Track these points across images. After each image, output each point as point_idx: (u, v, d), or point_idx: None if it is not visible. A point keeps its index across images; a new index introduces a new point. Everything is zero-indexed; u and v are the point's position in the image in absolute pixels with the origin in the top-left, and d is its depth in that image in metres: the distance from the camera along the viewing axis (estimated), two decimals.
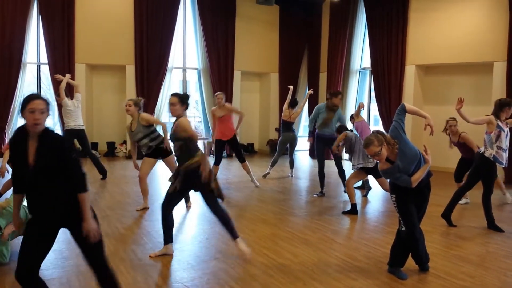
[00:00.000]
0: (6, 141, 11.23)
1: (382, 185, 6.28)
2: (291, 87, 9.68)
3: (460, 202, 7.00)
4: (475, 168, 5.66)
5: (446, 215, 5.78)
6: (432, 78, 10.94)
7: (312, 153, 13.15)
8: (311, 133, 7.61)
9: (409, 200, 3.94)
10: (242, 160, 8.15)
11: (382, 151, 3.70)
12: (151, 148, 6.10)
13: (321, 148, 7.57)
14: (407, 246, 4.02)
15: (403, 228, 3.98)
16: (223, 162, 11.78)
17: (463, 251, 4.83)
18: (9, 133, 11.49)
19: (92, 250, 2.92)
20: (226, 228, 4.36)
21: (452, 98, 10.38)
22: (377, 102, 11.30)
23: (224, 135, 8.00)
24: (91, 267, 2.97)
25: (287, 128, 9.17)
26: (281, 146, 9.28)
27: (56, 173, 2.77)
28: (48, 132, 2.80)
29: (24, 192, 2.89)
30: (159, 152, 6.15)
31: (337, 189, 8.07)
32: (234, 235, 4.35)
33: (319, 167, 7.49)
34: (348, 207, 6.39)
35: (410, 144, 3.84)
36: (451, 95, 10.51)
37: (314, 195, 7.44)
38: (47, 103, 2.82)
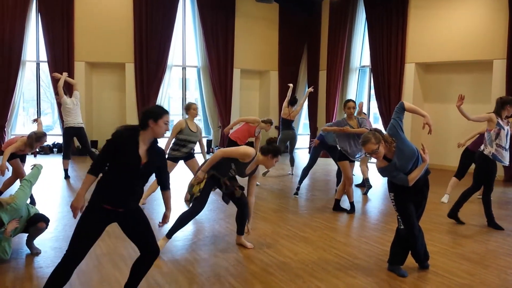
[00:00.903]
0: (6, 139, 11.22)
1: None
2: (291, 85, 9.68)
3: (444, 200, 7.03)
4: (476, 168, 5.65)
5: (453, 215, 5.76)
6: (431, 76, 10.95)
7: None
8: (320, 136, 7.35)
9: (407, 199, 3.93)
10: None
11: (380, 149, 3.69)
12: (191, 150, 6.46)
13: (319, 151, 7.53)
14: (406, 245, 4.01)
15: (402, 227, 3.97)
16: None
17: (463, 249, 4.84)
18: (9, 131, 11.48)
19: (148, 229, 3.31)
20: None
21: (452, 96, 10.40)
22: (376, 100, 11.30)
23: (240, 140, 7.89)
24: (146, 244, 3.32)
25: (287, 126, 9.16)
26: (281, 144, 9.26)
27: (152, 173, 3.20)
28: (155, 140, 3.16)
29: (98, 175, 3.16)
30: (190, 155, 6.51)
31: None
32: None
33: (308, 165, 7.39)
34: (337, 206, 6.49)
35: (408, 142, 3.83)
36: (451, 93, 10.53)
37: (294, 196, 7.38)
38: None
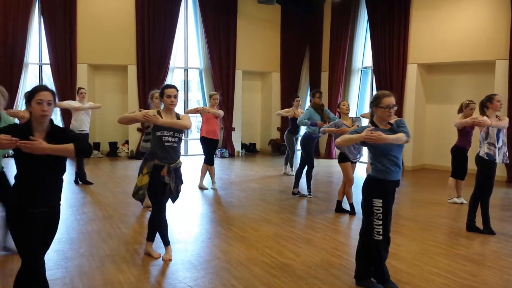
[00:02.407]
0: None
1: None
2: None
3: (457, 201, 7.01)
4: (478, 171, 5.58)
5: (471, 226, 5.54)
6: (434, 77, 10.93)
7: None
8: (315, 124, 7.31)
9: (391, 205, 3.72)
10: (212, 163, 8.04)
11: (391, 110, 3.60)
12: None
13: (313, 148, 7.55)
14: (376, 257, 3.70)
15: (377, 237, 3.65)
16: (225, 162, 11.80)
17: (466, 250, 4.82)
18: None
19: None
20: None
21: (454, 97, 10.39)
22: None
23: (215, 134, 7.86)
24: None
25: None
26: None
27: (61, 162, 2.92)
28: (53, 124, 2.91)
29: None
30: None
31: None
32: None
33: (310, 167, 7.34)
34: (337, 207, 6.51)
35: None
36: (453, 93, 10.51)
37: (308, 195, 7.38)
38: (53, 94, 2.91)
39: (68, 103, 8.28)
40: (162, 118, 4.22)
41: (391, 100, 3.61)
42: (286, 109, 9.72)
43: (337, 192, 6.60)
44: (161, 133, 4.22)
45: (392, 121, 3.68)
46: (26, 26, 11.26)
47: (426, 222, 5.91)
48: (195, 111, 7.82)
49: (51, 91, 2.90)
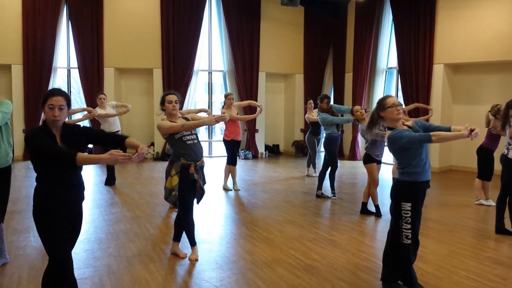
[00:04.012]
0: None
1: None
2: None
3: (484, 203, 6.87)
4: (503, 172, 5.46)
5: (500, 228, 5.42)
6: (461, 77, 10.73)
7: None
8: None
9: (421, 209, 3.66)
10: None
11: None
12: None
13: (337, 149, 7.54)
14: (404, 261, 3.64)
15: (406, 241, 3.60)
16: (249, 163, 11.84)
17: (495, 252, 4.73)
18: None
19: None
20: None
21: (481, 97, 10.19)
22: (404, 102, 11.14)
23: (238, 135, 7.90)
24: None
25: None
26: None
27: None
28: (65, 124, 2.94)
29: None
30: None
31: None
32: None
33: (334, 169, 7.36)
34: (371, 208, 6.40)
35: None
36: (480, 94, 10.30)
37: (332, 197, 7.35)
38: (67, 98, 2.90)
39: (106, 114, 8.15)
40: (172, 122, 4.38)
41: (394, 99, 3.62)
42: (308, 116, 9.42)
43: (362, 194, 6.56)
44: (180, 134, 4.31)
45: (409, 123, 3.64)
46: (54, 32, 11.55)
47: (454, 224, 5.81)
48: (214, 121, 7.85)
49: (64, 95, 2.89)
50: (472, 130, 3.26)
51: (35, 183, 2.94)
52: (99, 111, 8.05)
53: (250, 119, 7.75)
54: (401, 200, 3.60)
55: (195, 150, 4.34)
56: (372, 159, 6.17)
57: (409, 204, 3.56)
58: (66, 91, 12.19)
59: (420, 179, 3.56)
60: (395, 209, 3.65)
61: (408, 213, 3.57)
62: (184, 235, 4.53)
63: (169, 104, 4.37)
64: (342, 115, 7.66)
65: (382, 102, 3.61)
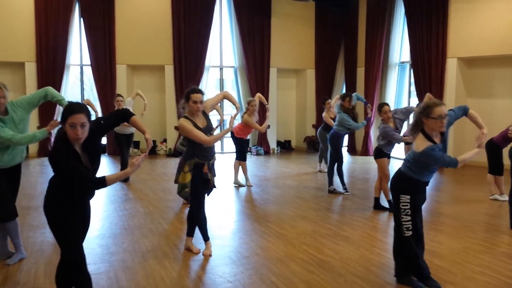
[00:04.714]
0: (52, 141, 11.71)
1: None
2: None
3: (499, 198, 6.80)
4: None
5: None
6: (475, 71, 10.60)
7: (350, 150, 13.03)
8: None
9: (420, 202, 3.68)
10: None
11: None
12: None
13: (342, 145, 7.58)
14: (409, 254, 3.66)
15: (407, 234, 3.61)
16: (260, 159, 11.85)
17: (510, 248, 4.68)
18: (54, 133, 11.91)
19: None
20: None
21: (495, 91, 10.07)
22: (417, 96, 11.06)
23: (247, 135, 7.96)
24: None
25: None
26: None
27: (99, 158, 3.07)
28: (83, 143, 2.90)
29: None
30: None
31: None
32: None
33: (340, 164, 7.39)
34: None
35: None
36: (494, 88, 10.18)
37: (344, 192, 7.34)
38: (88, 114, 2.83)
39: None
40: (194, 122, 4.24)
41: (443, 109, 3.41)
42: (326, 115, 9.30)
43: (374, 189, 6.53)
44: None
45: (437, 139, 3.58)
46: (67, 29, 11.66)
47: (467, 219, 5.77)
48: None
49: (85, 111, 2.79)
50: (479, 137, 3.50)
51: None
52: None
53: (260, 130, 7.67)
54: (400, 193, 3.63)
55: (209, 151, 4.35)
56: (383, 154, 6.15)
57: (408, 197, 3.60)
58: (79, 89, 12.25)
59: (424, 179, 3.63)
60: (394, 201, 3.69)
61: (407, 205, 3.60)
62: (197, 230, 4.56)
63: (194, 104, 4.21)
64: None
65: (428, 110, 3.42)
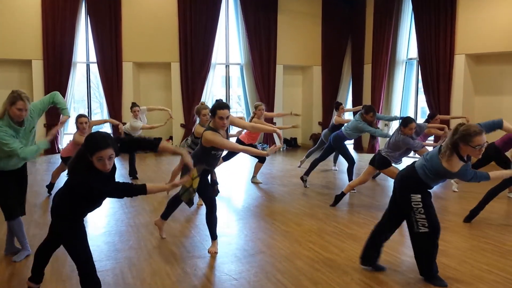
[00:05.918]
0: (59, 138, 11.80)
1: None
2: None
3: (510, 195, 6.74)
4: None
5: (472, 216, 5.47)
6: (483, 68, 10.50)
7: (356, 148, 12.97)
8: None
9: (431, 200, 3.70)
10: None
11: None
12: None
13: (346, 145, 7.68)
14: (422, 251, 3.69)
15: (423, 230, 3.60)
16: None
17: None
18: (61, 130, 11.96)
19: None
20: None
21: (504, 88, 9.97)
22: (425, 93, 10.99)
23: (256, 138, 7.93)
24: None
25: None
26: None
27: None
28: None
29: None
30: None
31: (384, 184, 7.93)
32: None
33: (351, 165, 7.45)
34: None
35: None
36: (503, 84, 10.08)
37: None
38: (114, 146, 2.85)
39: (144, 126, 8.31)
40: (220, 135, 4.19)
41: (483, 138, 3.34)
42: (338, 118, 9.18)
43: (380, 188, 6.48)
44: (216, 151, 4.29)
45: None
46: (73, 27, 11.68)
47: (475, 217, 5.72)
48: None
49: (111, 144, 2.79)
50: None
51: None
52: (133, 123, 8.21)
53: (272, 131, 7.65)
54: (410, 192, 3.64)
55: (217, 161, 4.54)
56: (389, 163, 6.08)
57: (419, 196, 3.62)
58: (86, 86, 12.21)
59: (433, 185, 3.71)
60: (404, 202, 3.68)
61: (419, 204, 3.61)
62: (203, 228, 4.56)
63: (220, 120, 4.12)
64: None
65: (468, 138, 3.34)
